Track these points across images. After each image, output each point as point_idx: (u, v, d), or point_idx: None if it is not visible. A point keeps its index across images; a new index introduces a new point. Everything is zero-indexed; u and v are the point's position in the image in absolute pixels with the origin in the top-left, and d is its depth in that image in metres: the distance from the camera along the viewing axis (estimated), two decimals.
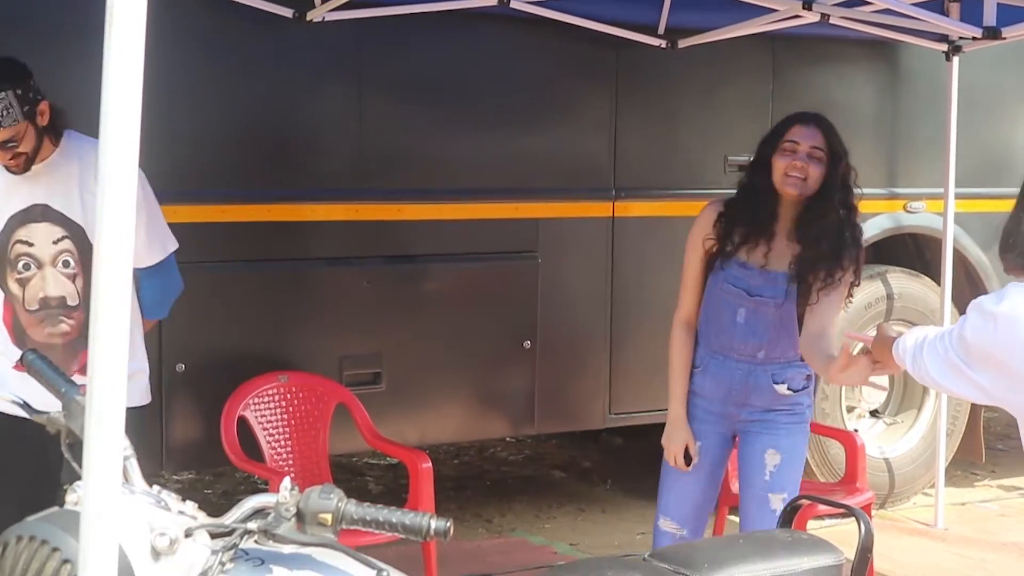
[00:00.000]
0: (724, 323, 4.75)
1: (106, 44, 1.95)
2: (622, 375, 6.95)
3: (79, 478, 3.54)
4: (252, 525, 2.56)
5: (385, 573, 2.57)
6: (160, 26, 5.94)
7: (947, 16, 6.30)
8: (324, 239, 6.10)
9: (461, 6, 5.81)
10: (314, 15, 5.68)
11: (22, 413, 3.18)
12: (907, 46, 7.14)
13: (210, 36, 5.72)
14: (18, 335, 4.22)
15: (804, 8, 5.63)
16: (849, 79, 7.44)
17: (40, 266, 4.15)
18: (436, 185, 6.38)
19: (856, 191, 4.74)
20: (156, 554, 2.42)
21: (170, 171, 5.45)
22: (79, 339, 4.15)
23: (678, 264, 6.63)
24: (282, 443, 5.63)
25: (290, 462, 5.62)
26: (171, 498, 2.60)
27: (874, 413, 7.93)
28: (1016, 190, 3.37)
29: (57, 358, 3.92)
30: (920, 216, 7.66)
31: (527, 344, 6.60)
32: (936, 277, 7.43)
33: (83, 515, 2.11)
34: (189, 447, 5.79)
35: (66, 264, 4.18)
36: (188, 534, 2.52)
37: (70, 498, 2.67)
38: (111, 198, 1.96)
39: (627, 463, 8.63)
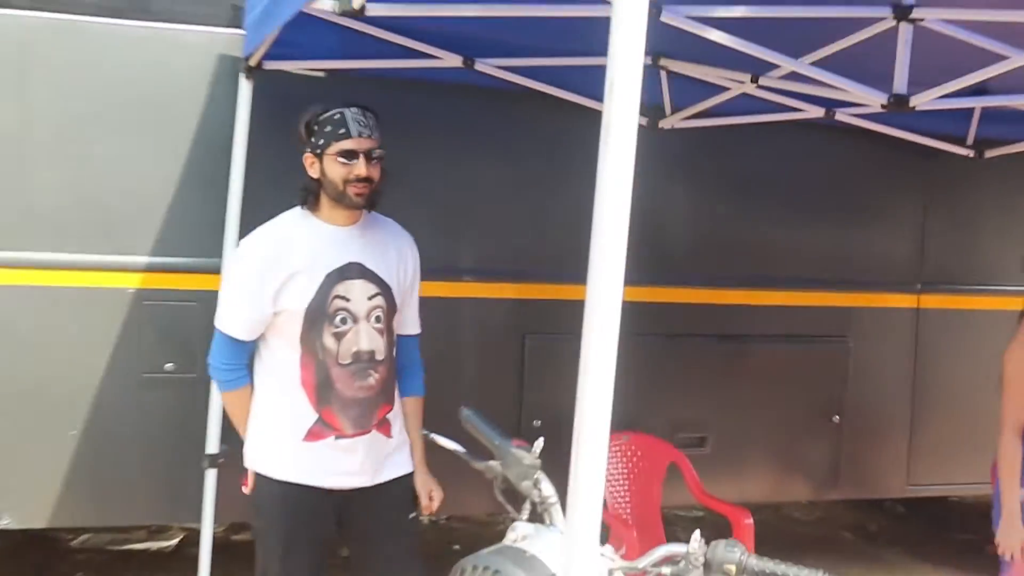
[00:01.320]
0: None
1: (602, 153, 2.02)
2: (921, 451, 6.83)
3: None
4: (665, 570, 2.58)
5: None
6: (513, 127, 6.12)
7: None
8: (661, 317, 6.13)
9: (791, 118, 5.77)
10: (665, 124, 5.80)
11: (463, 456, 3.22)
12: None
13: (567, 139, 5.83)
14: (320, 394, 3.92)
15: None
16: None
17: (355, 320, 3.92)
18: (760, 273, 6.41)
19: None
20: None
21: (538, 255, 5.64)
22: (380, 393, 3.99)
23: (977, 352, 6.49)
24: (621, 493, 5.66)
25: (628, 510, 5.64)
26: None
27: None
28: None
29: (359, 411, 3.95)
30: None
31: (835, 418, 6.58)
32: None
33: (563, 565, 2.10)
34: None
35: (377, 319, 3.98)
36: (611, 573, 2.56)
37: (510, 536, 2.72)
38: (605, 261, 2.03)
39: (911, 529, 8.40)
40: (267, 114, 5.12)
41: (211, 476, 5.14)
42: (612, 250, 2.07)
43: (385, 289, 3.99)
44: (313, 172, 3.92)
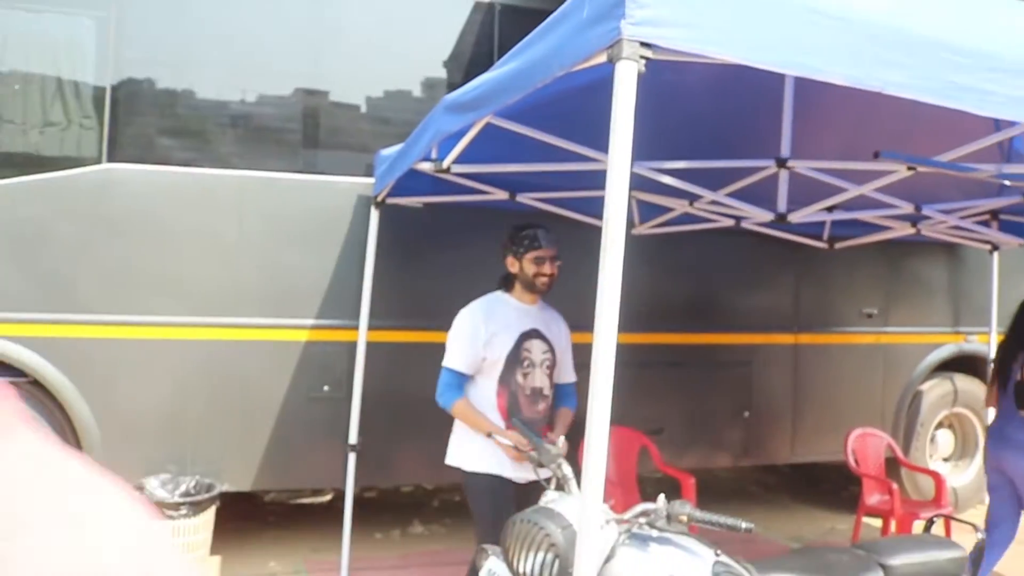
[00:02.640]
0: None
1: None
2: (800, 433, 6.69)
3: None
4: (641, 519, 2.61)
5: (719, 552, 2.58)
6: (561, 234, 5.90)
7: None
8: (638, 352, 6.07)
9: (712, 227, 5.56)
10: (636, 231, 5.81)
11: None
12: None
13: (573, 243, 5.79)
14: (509, 414, 3.75)
15: None
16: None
17: (533, 366, 3.81)
18: (705, 322, 6.30)
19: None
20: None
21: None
22: (544, 416, 3.87)
23: (840, 369, 6.38)
24: (611, 466, 5.58)
25: (614, 478, 5.58)
26: None
27: (945, 459, 7.48)
28: None
29: (531, 427, 3.71)
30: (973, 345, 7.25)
31: (746, 414, 6.48)
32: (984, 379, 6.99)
33: (581, 520, 2.10)
34: None
35: (546, 367, 3.87)
36: (607, 521, 2.59)
37: (543, 500, 2.74)
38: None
39: (795, 483, 8.29)
40: (387, 229, 5.21)
41: (352, 457, 5.13)
42: (609, 310, 2.06)
43: (551, 348, 3.91)
44: (513, 268, 3.86)
